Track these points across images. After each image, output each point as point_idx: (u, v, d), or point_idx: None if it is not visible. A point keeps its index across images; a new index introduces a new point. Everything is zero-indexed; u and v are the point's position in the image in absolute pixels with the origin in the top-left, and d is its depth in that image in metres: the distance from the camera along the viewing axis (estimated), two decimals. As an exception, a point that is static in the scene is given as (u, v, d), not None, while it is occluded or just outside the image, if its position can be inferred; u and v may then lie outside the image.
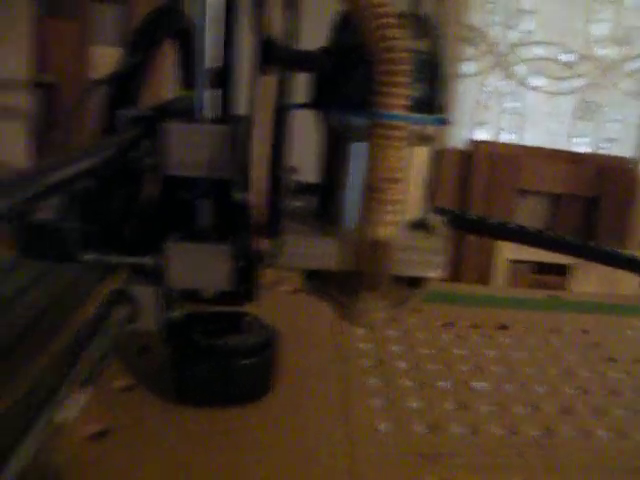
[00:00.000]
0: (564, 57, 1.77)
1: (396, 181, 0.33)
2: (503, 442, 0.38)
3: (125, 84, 0.43)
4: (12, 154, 1.27)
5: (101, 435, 0.36)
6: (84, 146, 0.34)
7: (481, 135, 1.78)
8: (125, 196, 0.40)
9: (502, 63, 1.73)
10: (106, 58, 1.46)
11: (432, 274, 0.36)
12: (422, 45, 0.34)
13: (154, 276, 0.37)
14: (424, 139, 0.37)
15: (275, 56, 0.32)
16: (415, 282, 0.37)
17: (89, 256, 0.38)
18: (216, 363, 0.38)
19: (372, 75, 0.31)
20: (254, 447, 0.35)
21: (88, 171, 0.30)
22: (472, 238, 1.65)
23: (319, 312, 0.53)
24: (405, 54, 0.31)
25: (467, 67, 1.70)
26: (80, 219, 0.39)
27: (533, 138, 1.79)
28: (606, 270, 1.54)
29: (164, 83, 0.64)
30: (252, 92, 0.33)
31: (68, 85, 1.43)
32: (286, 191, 0.37)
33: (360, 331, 0.51)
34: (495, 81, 1.74)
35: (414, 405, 0.41)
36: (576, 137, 1.81)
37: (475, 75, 1.71)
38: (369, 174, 0.32)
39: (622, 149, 1.82)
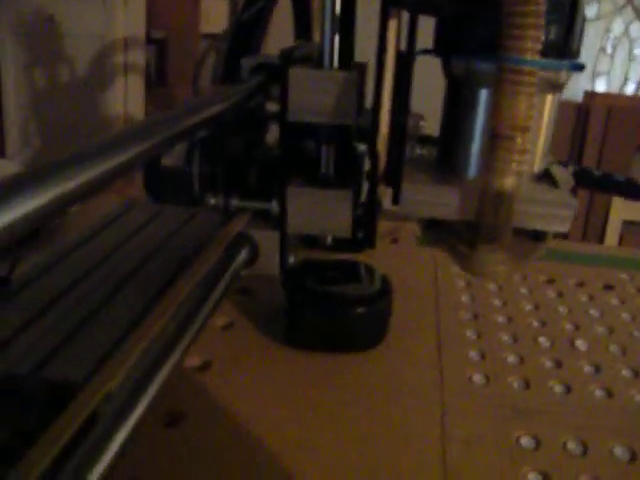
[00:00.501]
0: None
1: (525, 130, 0.31)
2: (599, 403, 0.37)
3: (247, 32, 0.44)
4: (133, 106, 1.33)
5: (203, 368, 0.38)
6: (209, 94, 0.35)
7: (602, 86, 1.66)
8: (249, 142, 0.42)
9: (630, 4, 1.59)
10: (216, 11, 1.49)
11: (558, 228, 0.34)
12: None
13: (276, 221, 0.38)
14: (555, 86, 0.35)
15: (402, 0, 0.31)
16: (539, 236, 0.36)
17: (214, 200, 0.40)
18: (328, 311, 0.39)
19: (500, 17, 0.30)
20: (354, 390, 0.36)
21: (216, 117, 0.31)
22: (585, 194, 1.57)
23: (420, 263, 0.53)
24: (538, -6, 0.29)
25: (588, 10, 1.58)
26: (205, 164, 0.41)
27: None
28: None
29: (277, 34, 0.64)
30: (380, 37, 0.33)
31: (179, 40, 1.47)
32: (409, 138, 0.37)
33: (461, 283, 0.51)
34: (621, 25, 1.61)
35: (510, 359, 0.41)
36: None
37: (597, 19, 1.59)
38: (497, 121, 0.31)
39: None
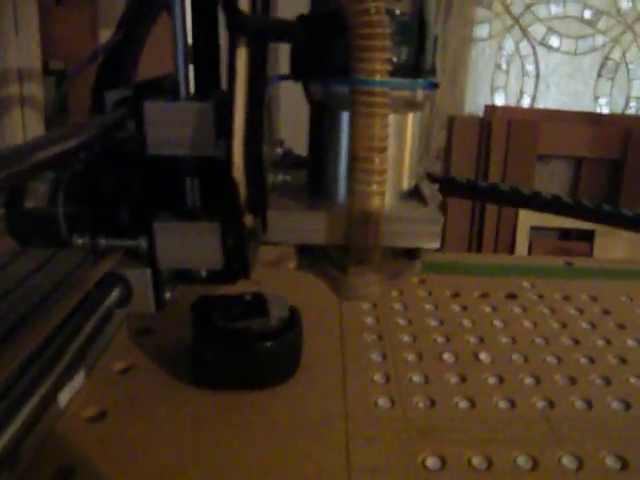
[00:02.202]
0: (584, 13, 1.71)
1: (382, 150, 0.31)
2: (504, 415, 0.37)
3: (114, 62, 0.42)
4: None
5: (100, 417, 0.36)
6: (63, 129, 0.34)
7: (500, 100, 1.73)
8: (115, 179, 0.40)
9: (518, 24, 1.68)
10: (116, 40, 1.46)
11: (428, 244, 0.34)
12: (405, 6, 0.33)
13: (147, 258, 0.36)
14: (413, 105, 0.35)
15: (245, 27, 0.30)
16: (412, 253, 0.36)
17: (81, 240, 0.38)
18: (234, 347, 0.38)
19: (349, 40, 0.30)
20: (260, 426, 0.35)
21: (72, 151, 0.30)
22: (493, 207, 1.63)
23: (324, 288, 0.53)
24: (382, 16, 0.29)
25: (481, 30, 1.65)
26: (70, 204, 0.39)
27: (556, 101, 1.74)
28: (632, 235, 1.50)
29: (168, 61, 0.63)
30: (230, 65, 0.32)
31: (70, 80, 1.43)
32: (272, 165, 0.37)
33: (366, 305, 0.51)
34: (512, 43, 1.69)
35: (415, 379, 0.40)
36: (601, 97, 1.76)
37: (490, 38, 1.67)
38: (353, 143, 0.31)
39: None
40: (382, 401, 0.38)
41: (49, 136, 0.31)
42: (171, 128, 0.33)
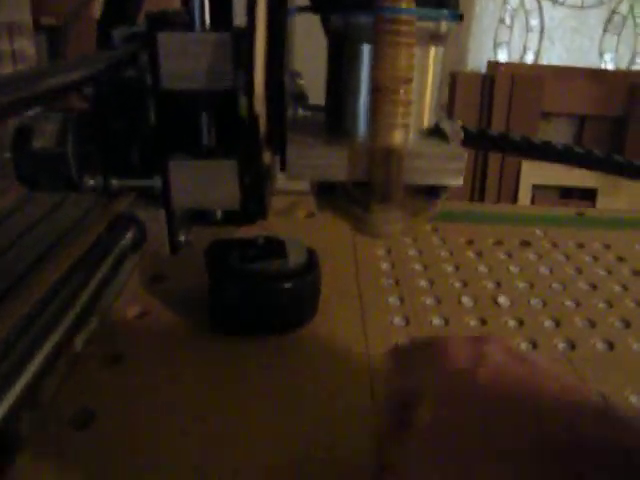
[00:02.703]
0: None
1: (408, 81, 0.30)
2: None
3: (118, 1, 0.41)
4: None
5: (115, 360, 0.35)
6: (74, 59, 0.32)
7: (503, 56, 1.70)
8: (130, 118, 0.39)
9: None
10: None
11: (451, 182, 0.33)
12: None
13: (161, 198, 0.35)
14: (438, 38, 0.34)
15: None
16: (433, 191, 0.35)
17: (92, 181, 0.37)
18: (256, 287, 0.37)
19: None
20: (283, 374, 0.35)
21: (77, 83, 0.29)
22: (496, 163, 1.61)
23: (337, 234, 0.52)
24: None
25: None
26: (80, 144, 0.38)
27: (560, 57, 1.71)
28: (634, 192, 1.50)
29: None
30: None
31: (70, 26, 1.39)
32: (291, 98, 0.35)
33: (380, 251, 0.50)
34: (516, -3, 1.65)
35: (435, 321, 0.40)
36: (607, 53, 1.72)
37: (495, -9, 1.63)
38: (377, 74, 0.30)
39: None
40: (403, 342, 0.37)
41: (56, 65, 0.30)
42: (187, 60, 0.32)
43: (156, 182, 0.35)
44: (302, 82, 0.36)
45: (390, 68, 0.30)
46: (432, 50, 0.34)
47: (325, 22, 0.34)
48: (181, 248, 0.37)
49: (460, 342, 0.26)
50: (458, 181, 0.34)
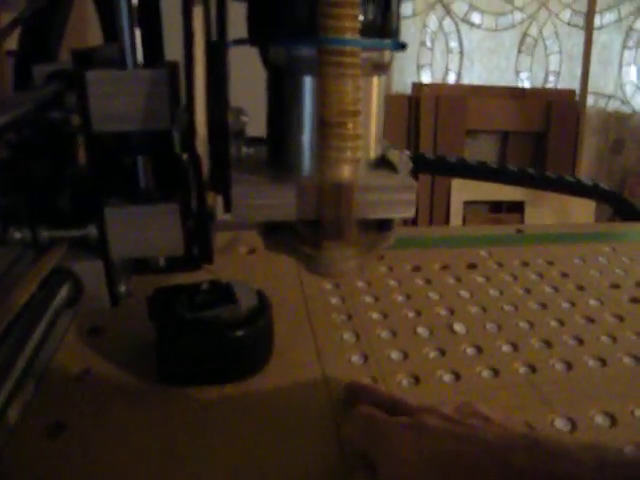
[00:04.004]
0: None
1: (355, 113, 0.29)
2: (490, 384, 0.36)
3: (37, 34, 0.38)
4: None
5: (57, 430, 0.32)
6: (-7, 105, 0.30)
7: (426, 77, 1.75)
8: (56, 162, 0.36)
9: (440, 1, 1.69)
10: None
11: (403, 213, 0.33)
12: (369, -41, 0.31)
13: (98, 249, 0.33)
14: (380, 67, 0.33)
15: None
16: (385, 224, 0.34)
17: (19, 233, 0.34)
18: (207, 337, 0.34)
19: (316, -4, 0.27)
20: (236, 422, 0.33)
21: (-1, 131, 0.26)
22: (427, 182, 1.64)
23: (281, 270, 0.50)
24: (351, -32, 0.27)
25: (405, 8, 1.66)
26: (4, 193, 0.35)
27: (480, 77, 1.78)
28: (558, 203, 1.56)
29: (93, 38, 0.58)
30: (185, 26, 0.29)
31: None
32: (233, 138, 0.34)
33: (329, 285, 0.49)
34: (435, 21, 1.71)
35: (393, 356, 0.39)
36: (522, 72, 1.80)
37: (414, 16, 1.67)
38: (323, 108, 0.29)
39: (567, 82, 1.83)
40: (365, 382, 0.36)
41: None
42: (119, 100, 0.30)
43: (90, 231, 0.33)
44: (245, 119, 0.34)
45: (337, 101, 0.29)
46: (375, 80, 0.34)
47: (264, 54, 0.33)
48: (122, 299, 0.35)
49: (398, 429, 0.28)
50: (410, 212, 0.33)
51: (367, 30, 0.30)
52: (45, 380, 0.36)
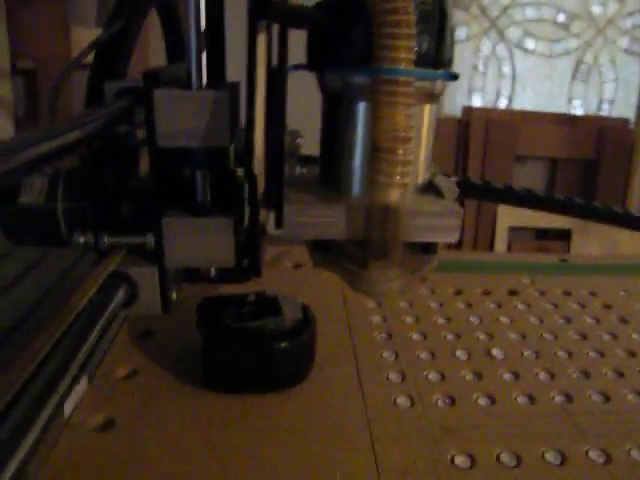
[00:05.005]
0: (559, 17, 1.73)
1: (406, 140, 0.31)
2: (525, 411, 0.37)
3: (110, 54, 0.41)
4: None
5: (106, 426, 0.34)
6: (69, 120, 0.32)
7: (477, 101, 1.75)
8: (120, 173, 0.38)
9: (495, 26, 1.69)
10: (88, 39, 1.43)
11: (447, 238, 0.34)
12: (426, -6, 0.32)
13: (154, 256, 0.35)
14: (432, 96, 0.34)
15: (269, 11, 0.29)
16: (429, 248, 0.35)
17: (82, 238, 0.36)
18: (252, 346, 0.36)
19: (372, 28, 0.29)
20: (278, 432, 0.34)
21: (73, 145, 0.28)
22: (473, 207, 1.63)
23: (326, 286, 0.51)
24: (408, 3, 0.29)
25: (459, 32, 1.66)
26: (71, 199, 0.37)
27: (531, 102, 1.76)
28: (606, 233, 1.53)
29: (153, 56, 0.61)
30: (249, 52, 0.31)
31: (49, 70, 1.39)
32: (288, 157, 0.35)
33: (371, 304, 0.50)
34: (489, 45, 1.71)
35: (430, 376, 0.40)
36: (575, 99, 1.78)
37: (467, 40, 1.68)
38: (376, 134, 0.30)
39: (621, 110, 1.80)
40: (401, 400, 0.37)
41: (49, 129, 0.29)
42: (183, 118, 0.32)
43: (149, 239, 0.35)
44: (300, 140, 0.36)
45: (389, 128, 0.30)
46: (427, 108, 0.35)
47: (321, 80, 0.35)
48: (173, 306, 0.37)
49: None
50: (454, 237, 0.34)
51: (421, 60, 0.32)
52: (97, 378, 0.38)
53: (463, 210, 0.34)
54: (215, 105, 0.32)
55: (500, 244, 1.67)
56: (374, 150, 0.31)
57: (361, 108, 0.33)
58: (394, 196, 0.31)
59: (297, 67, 0.34)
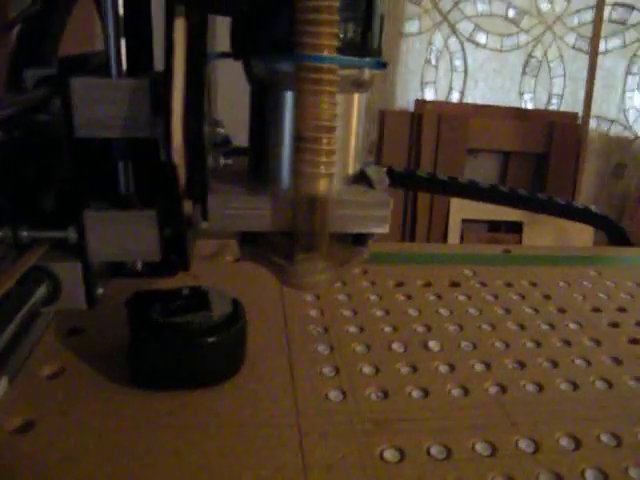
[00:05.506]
0: (509, 12, 1.76)
1: (331, 129, 0.30)
2: (458, 403, 0.37)
3: (31, 39, 0.39)
4: None
5: (26, 428, 0.32)
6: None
7: (430, 95, 1.76)
8: (38, 163, 0.37)
9: (446, 20, 1.71)
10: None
11: (377, 229, 0.33)
12: (351, -20, 0.31)
13: (77, 250, 0.34)
14: (360, 85, 0.34)
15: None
16: (359, 239, 0.35)
17: (0, 233, 0.34)
18: (180, 341, 0.35)
19: (294, 14, 0.28)
20: (207, 428, 0.33)
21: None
22: (426, 199, 1.65)
23: (265, 280, 0.50)
24: (330, -12, 0.28)
25: (411, 25, 1.67)
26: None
27: (483, 96, 1.79)
28: (557, 225, 1.56)
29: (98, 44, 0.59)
30: (166, 37, 0.29)
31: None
32: (211, 147, 0.34)
33: (309, 297, 0.49)
34: (441, 39, 1.72)
35: (365, 370, 0.39)
36: (526, 93, 1.81)
37: (420, 34, 1.69)
38: (299, 123, 0.30)
39: (569, 105, 1.83)
40: (333, 394, 0.36)
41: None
42: (102, 107, 0.31)
43: (70, 233, 0.33)
44: (222, 130, 0.35)
45: (312, 117, 0.29)
46: (355, 97, 0.34)
47: (247, 68, 0.34)
48: (98, 301, 0.35)
49: None
50: (384, 229, 0.34)
51: (347, 48, 0.31)
52: (19, 376, 0.36)
53: (392, 200, 0.34)
54: (134, 94, 0.30)
55: (453, 236, 1.69)
56: (298, 140, 0.30)
57: (287, 97, 0.33)
58: (320, 187, 0.31)
59: (221, 55, 0.33)
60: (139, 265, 0.36)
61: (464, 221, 1.71)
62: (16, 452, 0.31)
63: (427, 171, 0.64)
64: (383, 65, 0.34)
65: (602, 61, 1.78)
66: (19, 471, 0.30)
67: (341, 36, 0.31)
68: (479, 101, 1.77)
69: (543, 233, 1.69)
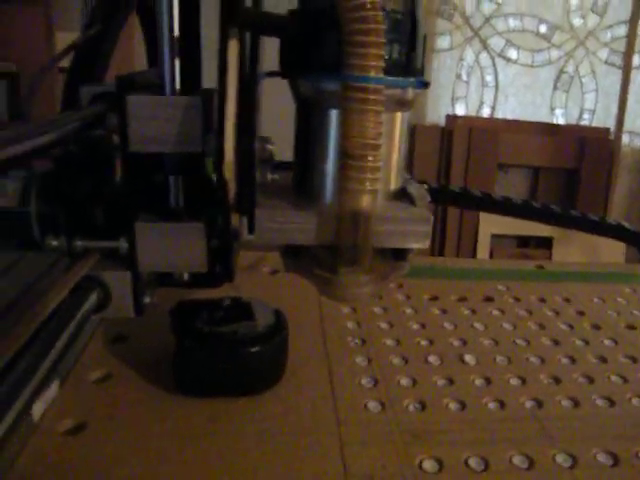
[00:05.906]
0: (540, 28, 1.76)
1: (376, 147, 0.31)
2: (495, 416, 0.37)
3: (88, 58, 0.41)
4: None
5: (77, 430, 0.34)
6: (35, 124, 0.32)
7: (460, 110, 1.76)
8: (95, 177, 0.38)
9: (478, 36, 1.71)
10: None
11: (417, 245, 0.34)
12: (396, 3, 0.32)
13: (127, 260, 0.35)
14: (404, 104, 0.35)
15: (240, 18, 0.30)
16: (400, 254, 0.36)
17: (55, 242, 0.36)
18: (225, 350, 0.36)
19: (343, 36, 0.29)
20: (249, 435, 0.34)
21: (44, 148, 0.28)
22: (455, 214, 1.65)
23: (302, 291, 0.52)
24: (377, 12, 0.29)
25: (442, 41, 1.68)
26: (44, 203, 0.37)
27: (514, 111, 1.78)
28: (588, 241, 1.54)
29: (138, 61, 0.61)
30: (220, 58, 0.31)
31: (37, 82, 1.38)
32: (259, 163, 0.36)
33: (346, 309, 0.50)
34: (472, 55, 1.73)
35: (402, 382, 0.40)
36: (557, 109, 1.80)
37: (451, 49, 1.70)
38: (345, 141, 0.31)
39: (601, 120, 1.82)
40: (372, 405, 0.37)
41: (21, 130, 0.29)
42: (156, 123, 0.32)
43: (122, 243, 0.35)
44: (271, 147, 0.36)
45: (358, 135, 0.30)
46: (398, 115, 0.35)
47: (294, 87, 0.35)
48: (145, 310, 0.37)
49: None
50: (424, 244, 0.35)
51: (391, 68, 0.32)
52: (69, 381, 0.38)
53: (432, 216, 0.34)
54: (187, 111, 0.32)
55: (482, 251, 1.69)
56: (343, 157, 0.31)
57: (333, 115, 0.34)
58: (364, 202, 0.32)
59: (270, 74, 0.35)
60: (186, 276, 0.37)
61: (493, 236, 1.71)
62: (68, 453, 0.32)
63: (460, 186, 0.64)
64: (426, 85, 0.35)
65: (635, 76, 1.77)
66: (71, 472, 0.31)
67: (386, 57, 0.32)
68: (510, 116, 1.77)
69: (574, 249, 1.67)
